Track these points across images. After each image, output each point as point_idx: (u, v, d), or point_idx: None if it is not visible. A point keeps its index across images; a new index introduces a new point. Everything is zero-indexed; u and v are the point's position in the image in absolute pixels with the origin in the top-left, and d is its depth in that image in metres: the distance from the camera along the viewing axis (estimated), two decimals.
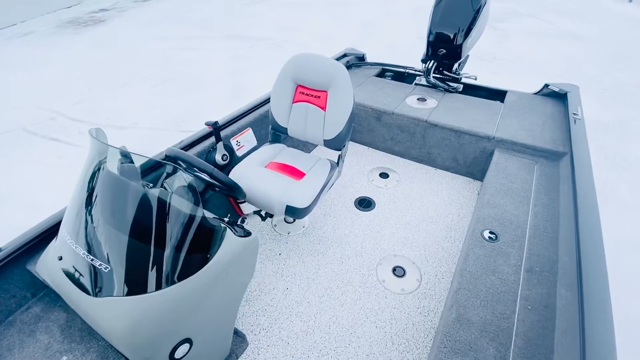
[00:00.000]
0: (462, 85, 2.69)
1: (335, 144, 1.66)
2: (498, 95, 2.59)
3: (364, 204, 2.13)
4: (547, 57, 5.30)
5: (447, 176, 2.33)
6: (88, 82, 4.92)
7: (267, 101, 2.16)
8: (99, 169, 0.99)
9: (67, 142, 3.70)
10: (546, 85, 2.47)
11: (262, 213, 1.81)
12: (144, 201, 0.91)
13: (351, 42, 5.67)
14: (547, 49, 5.63)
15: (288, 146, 1.94)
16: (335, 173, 1.74)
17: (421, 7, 7.46)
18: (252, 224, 2.01)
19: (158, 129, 3.83)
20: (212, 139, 1.80)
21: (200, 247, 0.97)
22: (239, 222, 1.21)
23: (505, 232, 1.48)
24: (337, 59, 2.84)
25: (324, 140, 1.68)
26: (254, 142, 2.08)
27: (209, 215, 1.13)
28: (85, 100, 4.47)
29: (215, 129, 1.75)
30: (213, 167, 1.16)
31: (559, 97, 2.42)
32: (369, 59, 3.16)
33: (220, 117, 1.97)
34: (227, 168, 1.91)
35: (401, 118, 2.33)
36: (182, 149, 1.75)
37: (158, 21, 7.53)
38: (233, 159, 1.94)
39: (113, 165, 1.06)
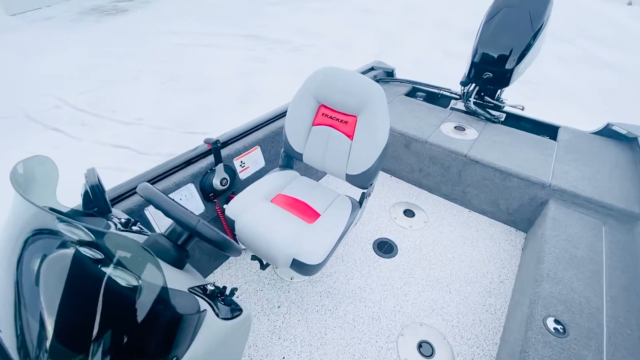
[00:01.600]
0: (504, 115, 2.34)
1: (361, 181, 1.34)
2: (547, 130, 2.24)
3: (385, 248, 1.79)
4: (585, 86, 4.90)
5: (483, 222, 1.98)
6: (99, 73, 4.72)
7: (281, 116, 1.85)
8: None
9: (67, 133, 3.47)
10: (609, 125, 2.10)
11: (263, 260, 1.49)
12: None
13: (373, 52, 5.38)
14: (584, 76, 5.22)
15: (302, 174, 1.62)
16: (357, 215, 1.41)
17: (445, 21, 7.13)
18: (248, 268, 1.69)
19: (163, 127, 3.57)
20: (211, 159, 1.49)
21: (157, 348, 0.65)
22: (227, 292, 0.89)
23: (575, 322, 1.12)
24: (363, 73, 2.52)
25: (347, 175, 1.36)
26: (262, 164, 1.77)
27: (181, 282, 0.81)
28: (92, 91, 4.26)
29: (215, 149, 1.45)
30: (198, 219, 0.84)
31: (624, 139, 2.05)
32: (397, 74, 2.84)
33: (225, 130, 1.66)
34: (225, 193, 1.60)
35: (435, 149, 1.99)
36: (175, 167, 1.44)
37: (179, 15, 7.37)
38: (234, 182, 1.63)
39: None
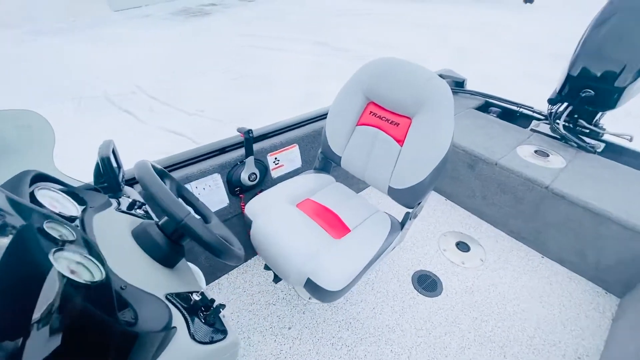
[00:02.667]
0: (603, 144, 1.88)
1: (407, 198, 1.09)
2: None
3: (426, 283, 1.49)
4: None
5: (561, 273, 1.56)
6: (176, 66, 5.07)
7: (324, 116, 1.68)
8: None
9: (135, 116, 3.72)
10: None
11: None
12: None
13: (441, 66, 4.95)
14: None
15: (338, 180, 1.41)
16: (396, 239, 1.16)
17: (528, 41, 6.40)
18: (265, 275, 1.52)
19: (219, 120, 3.64)
20: (242, 151, 1.37)
21: None
22: (212, 308, 0.72)
23: None
24: None
25: (390, 188, 1.12)
26: (298, 164, 1.60)
27: (158, 285, 0.66)
28: (166, 81, 4.57)
29: (247, 140, 1.31)
30: (188, 212, 0.68)
31: None
32: (469, 87, 2.50)
33: (266, 123, 1.54)
34: (253, 190, 1.46)
35: (507, 174, 1.64)
36: (204, 155, 1.34)
37: (255, 20, 7.75)
38: (264, 179, 1.49)
39: None
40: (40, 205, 0.67)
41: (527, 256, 1.65)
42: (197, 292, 0.77)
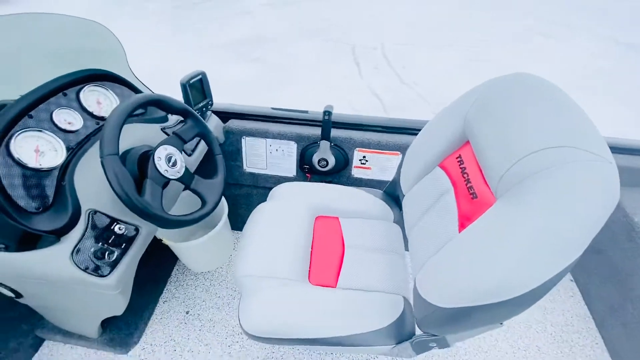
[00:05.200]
0: None
1: (426, 319, 0.67)
2: None
3: None
4: None
5: None
6: (424, 33, 4.90)
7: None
8: None
9: (360, 69, 4.02)
10: None
11: None
12: None
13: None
14: None
15: (397, 221, 1.05)
16: (391, 349, 0.78)
17: None
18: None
19: (426, 100, 3.38)
20: (318, 132, 1.23)
21: None
22: (111, 247, 0.78)
23: None
24: None
25: (414, 293, 0.72)
26: (389, 176, 1.29)
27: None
28: (407, 45, 4.55)
29: (324, 122, 1.16)
30: (113, 152, 0.70)
31: None
32: None
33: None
34: (323, 176, 1.33)
35: None
36: (287, 119, 1.30)
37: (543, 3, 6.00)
38: (340, 174, 1.32)
39: None
40: (79, 100, 0.88)
41: None
42: (131, 226, 0.84)
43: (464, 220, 0.67)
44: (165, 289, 1.34)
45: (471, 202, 0.67)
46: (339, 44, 4.63)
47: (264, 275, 0.85)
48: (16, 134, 0.73)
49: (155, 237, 1.23)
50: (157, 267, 1.37)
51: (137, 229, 0.85)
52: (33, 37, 0.84)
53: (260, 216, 1.00)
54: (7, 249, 0.73)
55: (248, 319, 0.79)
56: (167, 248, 1.26)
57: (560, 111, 0.54)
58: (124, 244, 0.81)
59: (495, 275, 0.51)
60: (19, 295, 0.91)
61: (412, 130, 1.22)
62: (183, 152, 1.06)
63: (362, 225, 1.01)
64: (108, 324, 1.17)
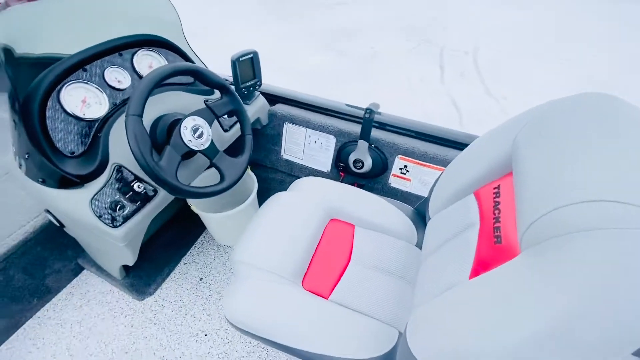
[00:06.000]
0: None
1: None
2: None
3: None
4: None
5: None
6: (531, 40, 4.29)
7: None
8: None
9: (442, 74, 3.72)
10: None
11: None
12: None
13: None
14: None
15: (420, 244, 0.93)
16: None
17: None
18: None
19: (509, 114, 2.99)
20: (352, 128, 1.14)
21: None
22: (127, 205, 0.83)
23: None
24: None
25: (403, 333, 0.63)
26: (426, 192, 1.15)
27: None
28: (505, 53, 4.05)
29: (365, 120, 1.07)
30: (137, 112, 0.72)
31: None
32: None
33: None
34: (356, 177, 1.25)
35: None
36: (332, 111, 1.24)
37: None
38: (377, 179, 1.22)
39: None
40: (132, 61, 0.94)
41: None
42: (151, 187, 0.88)
43: (479, 267, 0.54)
44: (188, 252, 1.41)
45: (493, 246, 0.53)
46: (428, 44, 4.33)
47: (258, 265, 0.82)
48: (68, 83, 0.81)
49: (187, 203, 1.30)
50: (186, 230, 1.45)
51: (155, 191, 0.89)
52: (105, 1, 0.93)
53: (275, 205, 0.97)
54: (44, 182, 0.82)
55: (229, 304, 0.77)
56: (197, 215, 1.32)
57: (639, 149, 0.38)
58: (139, 202, 0.86)
59: (497, 345, 0.39)
60: (62, 224, 1.03)
61: (463, 146, 1.06)
62: (221, 128, 1.07)
63: (378, 241, 0.91)
64: (132, 270, 1.28)
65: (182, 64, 0.82)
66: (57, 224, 1.03)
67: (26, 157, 0.81)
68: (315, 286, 0.82)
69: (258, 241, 0.88)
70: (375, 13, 5.25)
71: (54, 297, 1.26)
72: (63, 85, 0.80)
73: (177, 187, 0.79)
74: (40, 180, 0.82)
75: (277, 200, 0.98)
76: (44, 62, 0.82)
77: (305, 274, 0.84)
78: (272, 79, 1.34)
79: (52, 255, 1.22)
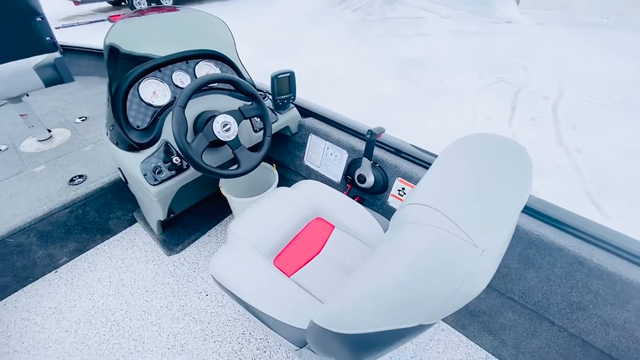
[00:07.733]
0: None
1: None
2: None
3: None
4: None
5: None
6: (629, 92, 3.81)
7: None
8: None
9: (512, 117, 3.56)
10: None
11: None
12: None
13: None
14: None
15: None
16: None
17: None
18: None
19: (585, 177, 2.74)
20: (362, 146, 1.26)
21: None
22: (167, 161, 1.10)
23: None
24: None
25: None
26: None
27: None
28: (594, 103, 3.69)
29: (369, 141, 1.20)
30: (182, 103, 0.99)
31: None
32: None
33: None
34: (360, 191, 1.37)
35: None
36: (350, 129, 1.40)
37: None
38: (377, 195, 1.33)
39: None
40: (194, 69, 1.24)
41: None
42: (185, 163, 1.15)
43: None
44: (213, 227, 1.68)
45: None
46: (504, 83, 4.17)
47: (244, 238, 1.01)
48: (147, 78, 1.13)
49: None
50: (216, 210, 1.72)
51: (188, 166, 1.15)
52: (183, 23, 1.26)
53: (275, 196, 1.16)
54: (117, 145, 1.14)
55: (215, 261, 0.97)
56: (226, 199, 1.58)
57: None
58: (174, 171, 1.13)
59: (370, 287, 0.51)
60: (126, 181, 1.37)
61: None
62: (252, 128, 1.32)
63: (349, 243, 1.03)
64: (168, 229, 1.59)
65: (221, 74, 1.08)
66: (124, 180, 1.37)
67: (111, 128, 1.15)
68: (283, 265, 0.97)
69: (251, 219, 1.07)
70: (454, 47, 5.23)
71: (112, 237, 1.63)
72: (143, 79, 1.13)
73: (199, 164, 1.03)
74: (115, 142, 1.14)
75: (278, 192, 1.17)
76: (138, 60, 1.16)
77: (279, 254, 1.00)
78: (337, 99, 1.53)
79: (117, 204, 1.59)
